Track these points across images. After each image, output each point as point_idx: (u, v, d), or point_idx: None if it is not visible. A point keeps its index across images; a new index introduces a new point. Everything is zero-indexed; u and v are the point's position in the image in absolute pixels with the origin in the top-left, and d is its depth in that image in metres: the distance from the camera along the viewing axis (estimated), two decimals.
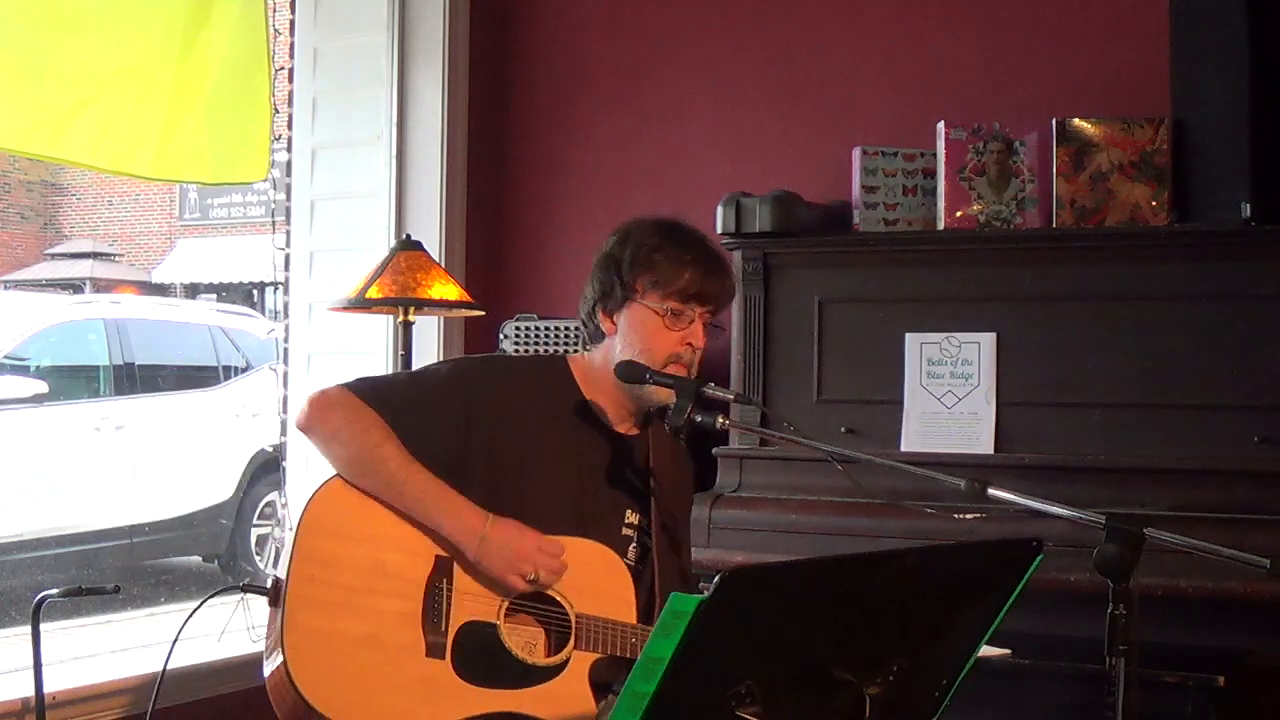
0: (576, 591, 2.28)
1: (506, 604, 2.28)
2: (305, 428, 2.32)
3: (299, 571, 2.20)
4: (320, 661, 2.17)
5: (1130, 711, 1.82)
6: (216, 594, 2.82)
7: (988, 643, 1.80)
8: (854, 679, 1.66)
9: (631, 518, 2.44)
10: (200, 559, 8.17)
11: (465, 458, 2.32)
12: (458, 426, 2.32)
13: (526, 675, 2.24)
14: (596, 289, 2.43)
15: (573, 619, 2.27)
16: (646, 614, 2.37)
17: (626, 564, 2.38)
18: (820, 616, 1.63)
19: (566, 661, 2.25)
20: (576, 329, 3.65)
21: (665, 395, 2.33)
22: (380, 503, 2.26)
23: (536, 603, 2.28)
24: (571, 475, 2.38)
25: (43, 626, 2.78)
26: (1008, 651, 2.27)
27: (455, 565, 2.27)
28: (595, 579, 2.30)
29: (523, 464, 2.34)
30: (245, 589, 2.79)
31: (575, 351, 3.67)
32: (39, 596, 2.77)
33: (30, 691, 2.81)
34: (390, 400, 2.30)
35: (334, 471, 2.30)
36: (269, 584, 2.26)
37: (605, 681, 2.31)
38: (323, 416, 2.29)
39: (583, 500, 2.37)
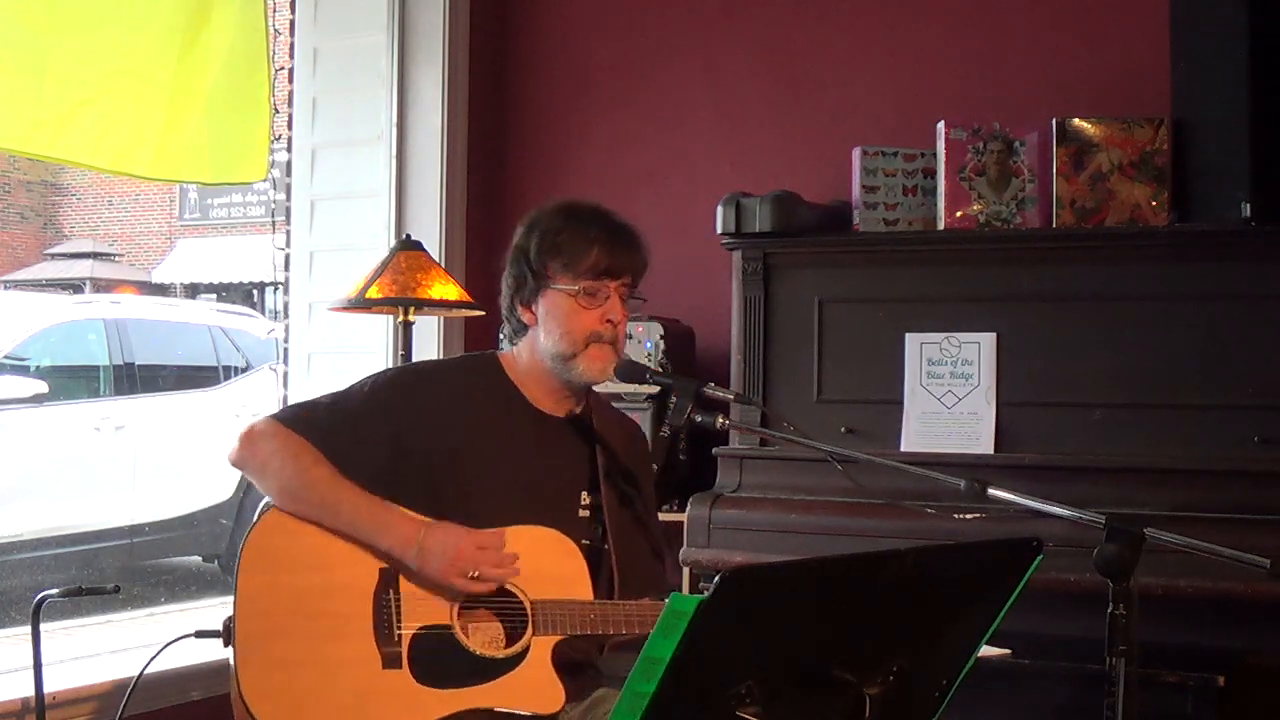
0: (529, 579, 2.27)
1: (458, 605, 2.28)
2: (237, 462, 2.33)
3: (244, 610, 2.21)
4: (279, 696, 2.18)
5: (1130, 711, 1.82)
6: (169, 644, 2.81)
7: (988, 643, 1.80)
8: (854, 679, 1.66)
9: (587, 499, 2.43)
10: (200, 559, 8.17)
11: (401, 469, 2.31)
12: (388, 440, 2.31)
13: (488, 670, 2.24)
14: (511, 283, 2.43)
15: (528, 606, 2.26)
16: (609, 593, 2.36)
17: (589, 545, 2.37)
18: (821, 616, 1.63)
19: (527, 649, 2.25)
20: None
21: (597, 371, 2.35)
22: (316, 526, 2.27)
23: (491, 597, 2.27)
24: (514, 466, 2.37)
25: (43, 626, 2.78)
26: (1008, 651, 2.27)
27: (399, 575, 2.27)
28: (547, 563, 2.29)
29: (462, 464, 2.34)
30: (198, 635, 2.82)
31: None
32: (39, 596, 2.77)
33: (30, 691, 2.81)
34: (317, 424, 2.30)
35: (268, 505, 2.30)
36: (221, 627, 2.27)
37: (572, 661, 2.31)
38: (252, 449, 2.30)
39: (530, 489, 2.36)
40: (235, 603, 2.22)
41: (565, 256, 2.36)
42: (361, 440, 2.30)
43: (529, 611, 2.26)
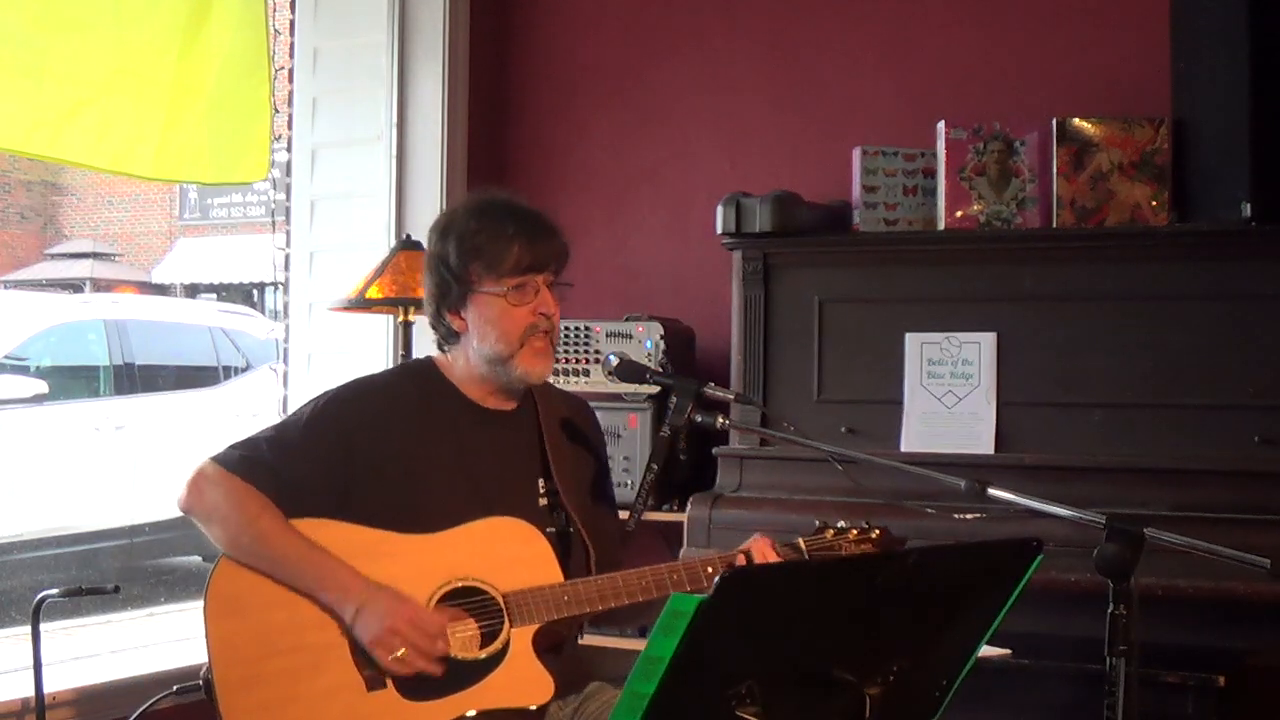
0: (496, 571, 2.26)
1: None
2: (186, 509, 2.30)
3: (219, 659, 2.18)
4: None
5: (1130, 711, 1.82)
6: (154, 702, 2.81)
7: (988, 643, 1.80)
8: (854, 679, 1.66)
9: (544, 486, 2.42)
10: (200, 559, 8.14)
11: (352, 488, 2.29)
12: (335, 462, 2.29)
13: (473, 672, 2.22)
14: (434, 291, 2.40)
15: (500, 600, 2.25)
16: (585, 573, 2.35)
17: (554, 532, 2.36)
18: (820, 616, 1.63)
19: (508, 644, 2.24)
20: (576, 329, 3.66)
21: (536, 372, 2.34)
22: None
23: (461, 598, 2.26)
24: (465, 466, 2.35)
25: (43, 626, 2.77)
26: (1008, 651, 2.27)
27: None
28: (511, 553, 2.28)
29: (410, 471, 2.31)
30: (179, 691, 2.82)
31: (573, 350, 3.68)
32: (39, 596, 2.77)
33: (30, 691, 2.80)
34: (261, 464, 2.27)
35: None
36: (200, 680, 2.26)
37: (553, 644, 2.30)
38: (199, 498, 2.27)
39: (484, 486, 2.34)
40: (209, 653, 2.19)
41: (486, 258, 2.33)
42: (308, 469, 2.28)
43: (503, 605, 2.25)
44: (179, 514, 2.32)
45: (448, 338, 2.42)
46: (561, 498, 2.40)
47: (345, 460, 2.30)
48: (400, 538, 2.27)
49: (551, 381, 2.55)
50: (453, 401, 2.40)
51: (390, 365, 3.76)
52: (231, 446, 2.33)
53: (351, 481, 2.30)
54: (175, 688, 2.74)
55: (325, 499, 2.28)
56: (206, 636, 2.20)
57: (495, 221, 2.35)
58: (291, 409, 3.83)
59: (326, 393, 2.41)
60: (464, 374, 2.41)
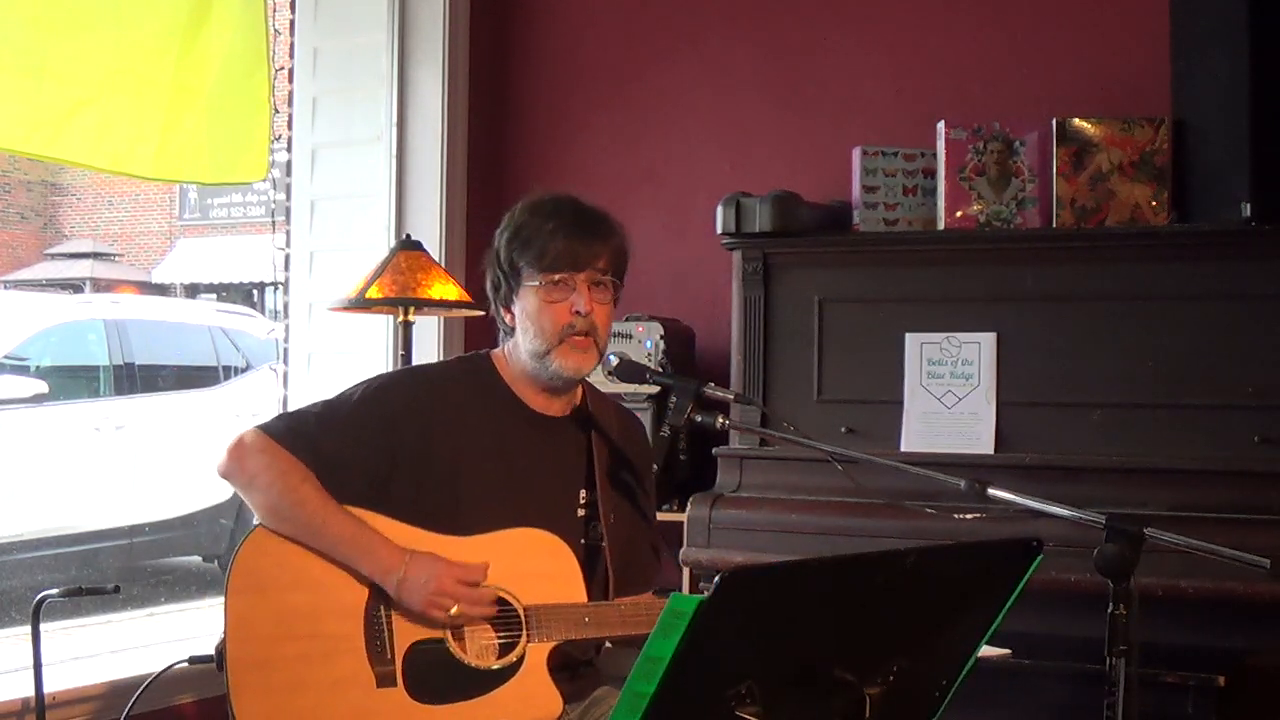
0: (521, 583, 2.25)
1: None
2: (225, 474, 2.30)
3: (235, 635, 2.18)
4: None
5: (1130, 711, 1.82)
6: (165, 670, 2.80)
7: (988, 643, 1.80)
8: (854, 679, 1.66)
9: (585, 496, 2.41)
10: (200, 559, 8.16)
11: (393, 476, 2.29)
12: (380, 448, 2.29)
13: (485, 682, 2.22)
14: (490, 286, 2.42)
15: (521, 612, 2.24)
16: (605, 591, 2.35)
17: (586, 544, 2.36)
18: (820, 616, 1.63)
19: (522, 658, 2.23)
20: None
21: (572, 367, 2.32)
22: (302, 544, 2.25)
23: None
24: (508, 470, 2.34)
25: (43, 626, 2.77)
26: (1008, 651, 2.27)
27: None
28: (538, 567, 2.27)
29: (455, 467, 2.31)
30: (191, 661, 2.82)
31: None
32: (39, 596, 2.77)
33: (30, 691, 2.81)
34: (306, 437, 2.27)
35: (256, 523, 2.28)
36: (214, 651, 2.26)
37: (569, 662, 2.30)
38: (240, 463, 2.27)
39: (524, 492, 2.34)
40: (225, 627, 2.19)
41: (530, 252, 2.33)
42: (352, 450, 2.28)
43: (523, 618, 2.24)
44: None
45: (507, 332, 2.42)
46: (600, 509, 2.39)
47: (388, 448, 2.29)
48: (433, 537, 2.26)
49: None
50: (503, 401, 2.39)
51: (390, 365, 3.76)
52: (278, 417, 2.34)
53: (393, 469, 2.29)
54: (189, 656, 2.73)
55: (367, 484, 2.27)
56: (225, 609, 2.20)
57: (540, 215, 2.36)
58: (292, 409, 3.84)
59: (380, 376, 2.41)
60: (516, 371, 2.41)
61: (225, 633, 2.19)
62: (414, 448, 2.30)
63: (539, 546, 2.29)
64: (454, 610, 2.19)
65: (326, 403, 2.37)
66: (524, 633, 2.24)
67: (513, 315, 2.38)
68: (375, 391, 2.36)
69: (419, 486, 2.30)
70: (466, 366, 2.50)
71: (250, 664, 2.18)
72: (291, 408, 3.91)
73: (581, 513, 2.41)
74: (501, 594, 2.25)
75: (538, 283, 2.32)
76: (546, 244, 2.32)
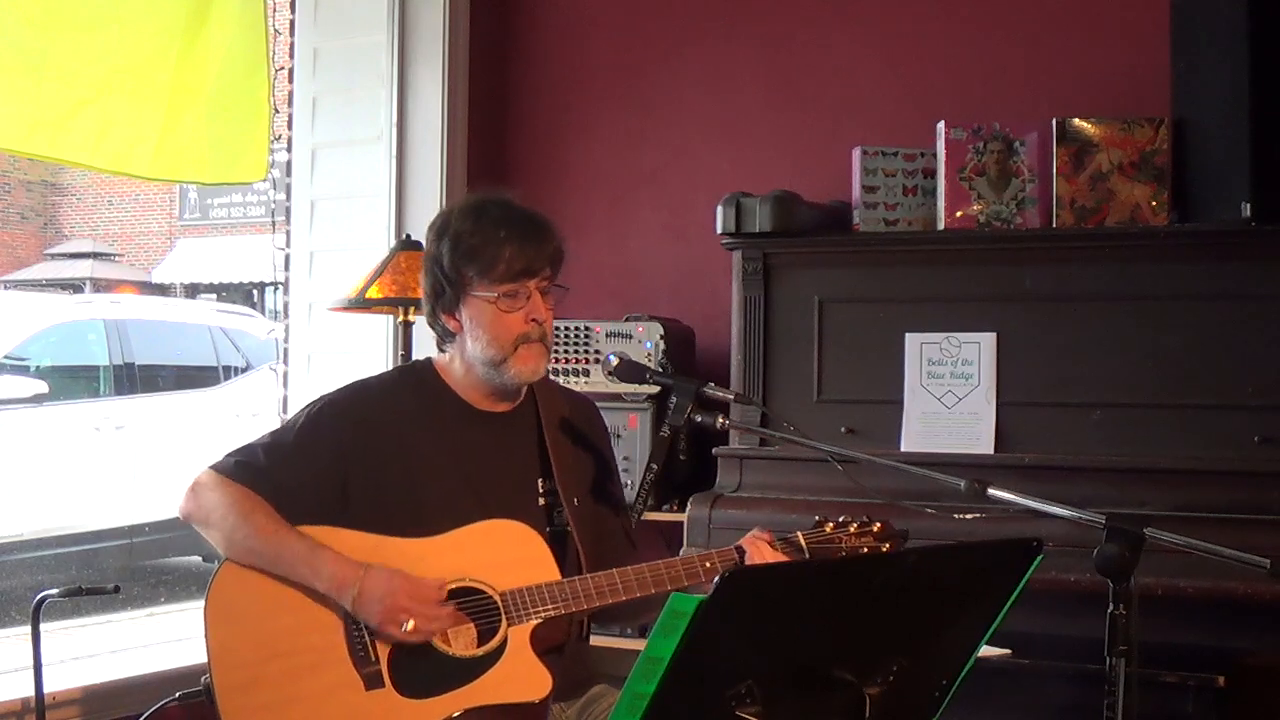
0: (494, 571, 2.27)
1: None
2: (185, 516, 2.33)
3: (219, 665, 2.21)
4: None
5: (1130, 711, 1.82)
6: (158, 708, 2.82)
7: (988, 643, 1.80)
8: (854, 679, 1.66)
9: (543, 485, 2.42)
10: (200, 559, 8.15)
11: (349, 491, 2.31)
12: (330, 467, 2.31)
13: (471, 669, 2.23)
14: (430, 290, 2.40)
15: (498, 599, 2.25)
16: (579, 573, 2.34)
17: (553, 531, 2.37)
18: (820, 616, 1.63)
19: (505, 641, 2.24)
20: (576, 329, 3.67)
21: (529, 372, 2.33)
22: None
23: (459, 598, 2.26)
24: (462, 468, 2.35)
25: (43, 626, 2.77)
26: (1008, 651, 2.28)
27: None
28: (508, 555, 2.28)
29: (410, 472, 2.32)
30: (181, 698, 2.82)
31: (573, 350, 3.68)
32: (39, 596, 2.77)
33: (30, 691, 2.80)
34: (255, 469, 2.29)
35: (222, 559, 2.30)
36: (201, 687, 2.27)
37: (551, 646, 2.30)
38: (197, 503, 2.30)
39: (481, 488, 2.34)
40: (209, 659, 2.22)
41: (479, 262, 2.32)
42: (303, 473, 2.30)
43: (500, 604, 2.25)
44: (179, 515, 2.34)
45: (444, 336, 2.42)
46: (560, 497, 2.40)
47: (340, 464, 2.31)
48: (399, 541, 2.28)
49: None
50: (449, 404, 2.41)
51: (390, 365, 3.76)
52: (228, 455, 2.35)
53: (348, 484, 2.31)
54: (178, 694, 2.74)
55: (322, 503, 2.29)
56: (206, 642, 2.23)
57: (489, 225, 2.34)
58: (292, 409, 3.85)
59: (322, 397, 2.41)
60: (461, 374, 2.41)
61: (210, 664, 2.22)
62: (365, 461, 2.32)
63: (506, 535, 2.30)
64: (409, 625, 2.20)
65: (273, 433, 2.40)
66: (503, 617, 2.25)
67: (457, 321, 2.37)
68: (318, 413, 2.38)
69: (377, 497, 2.31)
70: (408, 376, 2.51)
71: (238, 687, 2.21)
72: (291, 408, 3.92)
73: (543, 501, 2.42)
74: (476, 584, 2.26)
75: (492, 294, 2.32)
76: (497, 254, 2.31)
